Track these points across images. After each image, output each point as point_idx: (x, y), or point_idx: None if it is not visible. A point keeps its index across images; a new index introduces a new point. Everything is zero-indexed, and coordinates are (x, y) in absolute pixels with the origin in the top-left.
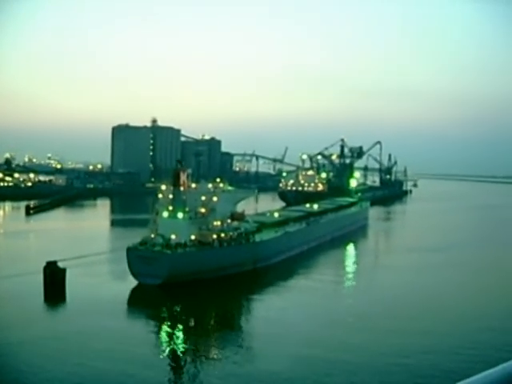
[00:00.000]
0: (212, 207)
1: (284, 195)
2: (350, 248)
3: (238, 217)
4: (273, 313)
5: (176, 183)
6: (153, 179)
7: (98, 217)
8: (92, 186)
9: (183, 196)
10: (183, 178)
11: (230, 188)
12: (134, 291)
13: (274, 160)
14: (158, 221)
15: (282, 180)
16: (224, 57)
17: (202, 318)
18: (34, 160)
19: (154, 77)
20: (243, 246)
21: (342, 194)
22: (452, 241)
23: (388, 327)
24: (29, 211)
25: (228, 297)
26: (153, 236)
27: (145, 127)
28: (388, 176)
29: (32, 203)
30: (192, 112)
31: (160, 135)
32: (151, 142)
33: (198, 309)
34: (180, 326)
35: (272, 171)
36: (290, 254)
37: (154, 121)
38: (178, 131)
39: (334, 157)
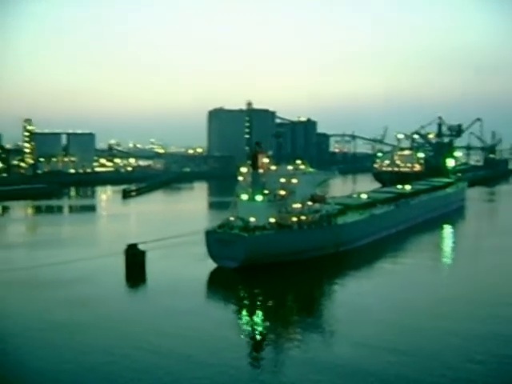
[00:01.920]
0: (292, 189)
1: (379, 176)
2: (443, 231)
3: (319, 199)
4: (351, 298)
5: (255, 166)
6: (248, 162)
7: (192, 199)
8: (189, 169)
9: (262, 178)
10: (262, 160)
11: (310, 170)
12: (212, 274)
13: (374, 140)
14: (238, 203)
15: (378, 160)
16: (315, 36)
17: (280, 301)
18: (139, 145)
19: (248, 60)
20: (324, 229)
21: (440, 175)
22: None
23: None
24: (126, 195)
25: (307, 280)
26: (232, 219)
27: (240, 110)
28: (492, 155)
29: (129, 187)
30: (288, 94)
31: (255, 118)
32: (246, 124)
33: (277, 292)
34: (259, 309)
35: (372, 152)
36: (376, 237)
37: (249, 104)
38: (273, 113)
39: (431, 135)
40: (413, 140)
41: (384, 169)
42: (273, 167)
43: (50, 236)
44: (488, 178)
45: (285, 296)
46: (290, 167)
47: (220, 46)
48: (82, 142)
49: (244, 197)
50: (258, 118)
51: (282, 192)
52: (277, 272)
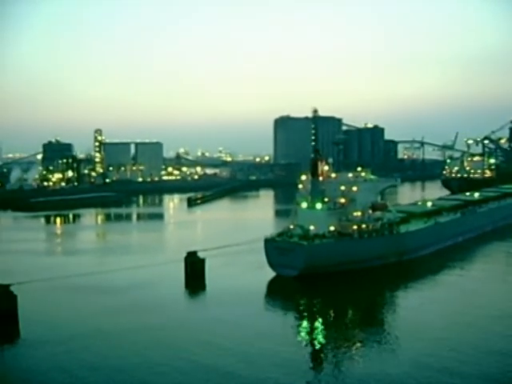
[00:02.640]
0: (352, 197)
1: (448, 183)
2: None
3: (380, 207)
4: (413, 312)
5: (314, 173)
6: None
7: (257, 207)
8: (254, 177)
9: (322, 186)
10: (321, 167)
11: (372, 177)
12: (271, 282)
13: (444, 146)
14: (298, 212)
15: (446, 167)
16: (379, 40)
17: (340, 312)
18: (207, 154)
19: (312, 68)
20: (386, 238)
21: None
22: None
23: None
24: (191, 203)
25: (368, 291)
26: (292, 227)
27: (306, 118)
28: None
29: (195, 195)
30: (355, 100)
31: (321, 125)
32: (312, 132)
33: (337, 302)
34: (318, 320)
35: (441, 158)
36: (441, 246)
37: (315, 111)
38: (339, 120)
39: (502, 141)
40: (483, 146)
41: (453, 175)
42: (333, 175)
43: (117, 243)
44: None
45: (345, 306)
46: (350, 175)
47: (283, 56)
48: (150, 151)
49: (303, 205)
50: (324, 126)
51: (342, 200)
52: (337, 281)
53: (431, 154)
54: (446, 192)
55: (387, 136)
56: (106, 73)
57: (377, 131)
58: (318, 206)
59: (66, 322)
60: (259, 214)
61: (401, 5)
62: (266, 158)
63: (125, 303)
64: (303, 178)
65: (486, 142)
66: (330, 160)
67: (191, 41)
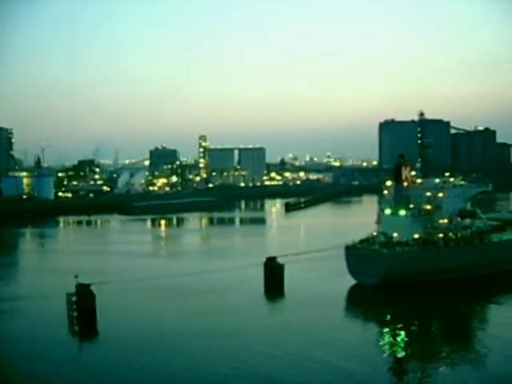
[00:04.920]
0: (438, 204)
1: None
2: None
3: (468, 214)
4: (499, 328)
5: (398, 179)
6: (422, 175)
7: (357, 213)
8: (357, 182)
9: (406, 192)
10: (406, 173)
11: (461, 183)
12: (350, 290)
13: None
14: (381, 218)
15: None
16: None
17: (422, 325)
18: (315, 159)
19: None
20: (475, 247)
21: None
22: None
23: None
24: (289, 208)
25: (454, 304)
26: (375, 234)
27: (412, 121)
28: None
29: (295, 200)
30: (465, 102)
31: (428, 128)
32: (419, 136)
33: (419, 314)
34: (398, 333)
35: None
36: None
37: (422, 114)
38: (447, 123)
39: None
40: None
41: None
42: (418, 180)
43: (211, 247)
44: None
45: (428, 319)
46: (437, 180)
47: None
48: (253, 156)
49: (387, 211)
50: (430, 129)
51: (428, 207)
52: (420, 292)
53: None
54: None
55: (500, 139)
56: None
57: (488, 134)
58: (402, 212)
59: (140, 322)
60: (358, 219)
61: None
62: (374, 163)
63: (201, 306)
64: (388, 183)
65: None
66: (418, 165)
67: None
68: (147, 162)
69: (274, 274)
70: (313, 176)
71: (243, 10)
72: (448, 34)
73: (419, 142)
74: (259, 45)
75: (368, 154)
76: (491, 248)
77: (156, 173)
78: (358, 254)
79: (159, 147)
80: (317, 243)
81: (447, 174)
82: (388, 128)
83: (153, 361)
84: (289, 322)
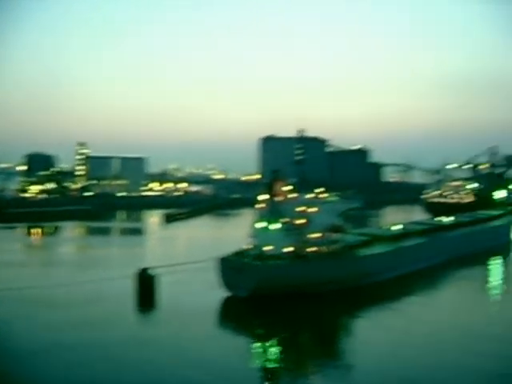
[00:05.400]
0: (310, 218)
1: (428, 207)
2: (482, 267)
3: (339, 229)
4: (361, 339)
5: (272, 193)
6: (302, 189)
7: (236, 226)
8: (238, 195)
9: (279, 206)
10: (279, 187)
11: (332, 199)
12: (223, 302)
13: (431, 170)
14: (255, 231)
15: (427, 191)
16: (366, 60)
17: (293, 334)
18: (198, 171)
19: (300, 88)
20: (344, 261)
21: (491, 207)
22: None
23: None
24: (168, 219)
25: (321, 315)
26: (248, 247)
27: (291, 138)
28: None
29: (174, 211)
30: (343, 122)
31: (307, 146)
32: (298, 152)
33: (290, 325)
34: (272, 343)
35: (429, 182)
36: (404, 270)
37: (301, 131)
38: (325, 141)
39: (483, 166)
40: (470, 170)
41: (434, 200)
42: (292, 195)
43: (87, 256)
44: None
45: (297, 332)
46: (310, 195)
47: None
48: (134, 165)
49: (260, 224)
50: (309, 146)
51: (300, 221)
52: (291, 304)
53: (420, 178)
54: (427, 216)
55: (375, 158)
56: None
57: (363, 153)
58: (275, 226)
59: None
60: (236, 232)
61: (383, 27)
62: (255, 177)
63: (70, 319)
64: (262, 197)
65: (468, 167)
66: (292, 180)
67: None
68: (22, 167)
69: (145, 285)
70: (194, 188)
71: (125, 13)
72: (330, 57)
73: (295, 158)
74: (146, 54)
75: (250, 168)
76: (359, 261)
77: (32, 179)
78: (231, 267)
79: (35, 152)
80: (194, 255)
81: (320, 190)
82: (268, 143)
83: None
84: (156, 335)
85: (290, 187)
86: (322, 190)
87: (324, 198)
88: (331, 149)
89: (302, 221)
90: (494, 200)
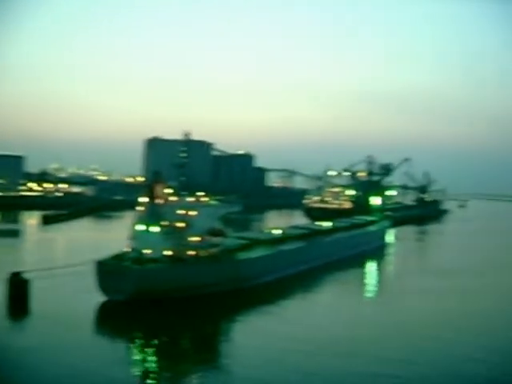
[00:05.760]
0: (190, 222)
1: (309, 212)
2: (357, 269)
3: (218, 233)
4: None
5: (152, 196)
6: (184, 192)
7: (116, 228)
8: (120, 197)
9: (159, 209)
10: (160, 190)
11: (213, 202)
12: (101, 307)
13: (313, 176)
14: (134, 234)
15: (308, 196)
16: (251, 69)
17: (172, 338)
18: (81, 171)
19: (189, 90)
20: (223, 264)
21: (368, 213)
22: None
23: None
24: (47, 220)
25: (202, 318)
26: (127, 250)
27: (177, 140)
28: (424, 195)
29: (52, 213)
30: (229, 128)
31: (192, 148)
32: (183, 155)
33: (170, 329)
34: (151, 347)
35: (312, 188)
36: (283, 273)
37: (187, 134)
38: (210, 145)
39: (361, 173)
40: (344, 177)
41: (314, 205)
42: (172, 198)
43: None
44: (419, 218)
45: (177, 335)
46: (190, 199)
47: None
48: (10, 164)
49: (139, 227)
50: (195, 149)
51: (180, 224)
52: (172, 308)
53: (302, 184)
54: (308, 220)
55: (260, 164)
56: None
57: (247, 158)
58: (154, 229)
59: None
60: (117, 235)
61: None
62: (140, 179)
63: None
64: (142, 199)
65: (347, 173)
66: (174, 183)
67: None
68: None
69: (17, 291)
70: (75, 189)
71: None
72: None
73: (177, 160)
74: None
75: (136, 170)
76: (237, 265)
77: None
78: (108, 270)
79: None
80: (72, 258)
81: (201, 194)
82: (154, 145)
83: None
84: (27, 344)
85: (171, 190)
86: (202, 193)
87: (204, 201)
88: (216, 153)
89: (182, 224)
90: (371, 206)
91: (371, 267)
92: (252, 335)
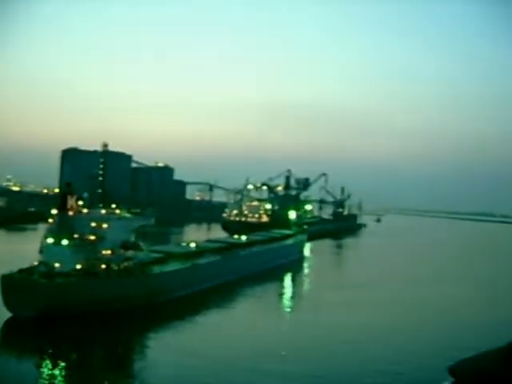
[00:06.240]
0: (102, 235)
1: (227, 225)
2: (273, 283)
3: (131, 246)
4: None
5: (63, 207)
6: (101, 204)
7: (29, 241)
8: (34, 209)
9: (71, 221)
10: (71, 202)
11: (126, 215)
12: (5, 324)
13: (233, 190)
14: (43, 247)
15: (226, 210)
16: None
17: (84, 355)
18: None
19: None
20: (136, 278)
21: (285, 226)
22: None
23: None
24: None
25: (113, 334)
26: (36, 263)
27: (95, 151)
28: (341, 209)
29: None
30: (147, 140)
31: (110, 160)
32: (101, 166)
33: (82, 345)
34: (61, 364)
35: (232, 201)
36: (199, 287)
37: (105, 145)
38: (129, 157)
39: (279, 188)
40: (262, 191)
41: (232, 218)
42: (84, 210)
43: None
44: (336, 231)
45: (90, 351)
46: (103, 211)
47: (84, 90)
48: None
49: (49, 240)
50: (113, 161)
51: (92, 237)
52: (80, 324)
53: (222, 197)
54: (225, 234)
55: (180, 177)
56: None
57: (166, 171)
58: (64, 242)
59: None
60: (28, 247)
61: (198, 47)
62: (56, 190)
63: None
64: (53, 211)
65: (264, 188)
66: (85, 194)
67: None
68: None
69: None
70: None
71: None
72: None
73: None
74: None
75: (53, 181)
76: (151, 279)
77: None
78: (14, 285)
79: None
80: None
81: (114, 206)
82: (70, 156)
83: None
84: None
85: (81, 202)
86: (115, 205)
87: (117, 214)
88: (136, 165)
89: (94, 237)
90: (289, 220)
91: (287, 281)
92: (159, 351)
